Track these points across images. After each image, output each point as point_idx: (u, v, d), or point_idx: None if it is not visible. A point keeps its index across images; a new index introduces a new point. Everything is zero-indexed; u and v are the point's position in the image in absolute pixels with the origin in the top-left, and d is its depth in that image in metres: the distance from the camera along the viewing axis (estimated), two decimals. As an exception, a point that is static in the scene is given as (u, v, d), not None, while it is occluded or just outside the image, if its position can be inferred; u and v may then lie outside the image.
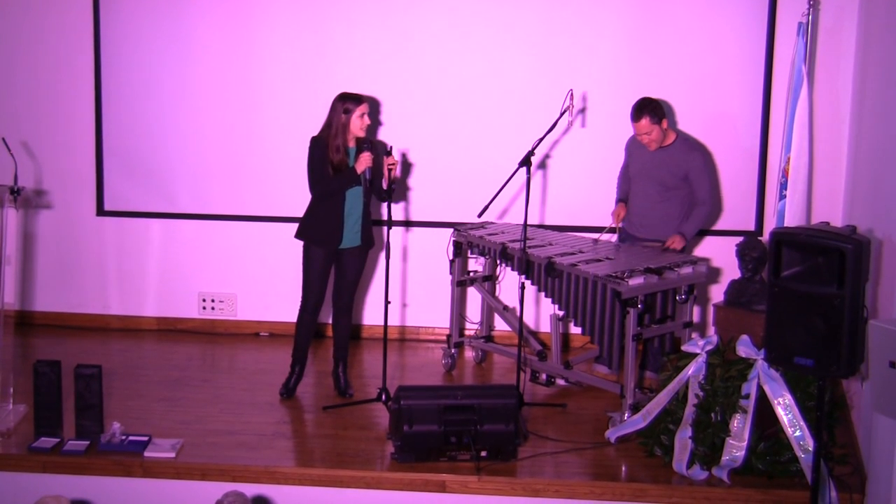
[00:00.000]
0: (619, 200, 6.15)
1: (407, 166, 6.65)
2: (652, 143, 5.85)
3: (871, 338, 4.05)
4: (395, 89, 6.63)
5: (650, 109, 5.75)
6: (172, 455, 5.05)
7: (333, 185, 5.57)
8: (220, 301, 6.99)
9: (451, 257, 6.27)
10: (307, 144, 5.67)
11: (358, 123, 5.55)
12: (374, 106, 6.54)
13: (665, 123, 5.83)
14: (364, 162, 5.50)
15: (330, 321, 5.95)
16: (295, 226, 5.77)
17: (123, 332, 6.99)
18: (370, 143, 5.61)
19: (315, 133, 5.67)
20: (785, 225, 5.60)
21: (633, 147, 6.05)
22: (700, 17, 6.42)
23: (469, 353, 6.58)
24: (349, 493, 4.98)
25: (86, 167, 6.90)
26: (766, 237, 5.44)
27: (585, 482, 4.91)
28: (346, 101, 5.56)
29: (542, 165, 6.57)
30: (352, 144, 5.60)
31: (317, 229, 5.67)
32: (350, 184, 5.55)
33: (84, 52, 6.78)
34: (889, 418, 4.32)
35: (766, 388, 4.82)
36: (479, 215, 5.82)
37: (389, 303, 5.67)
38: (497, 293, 6.46)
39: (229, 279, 6.97)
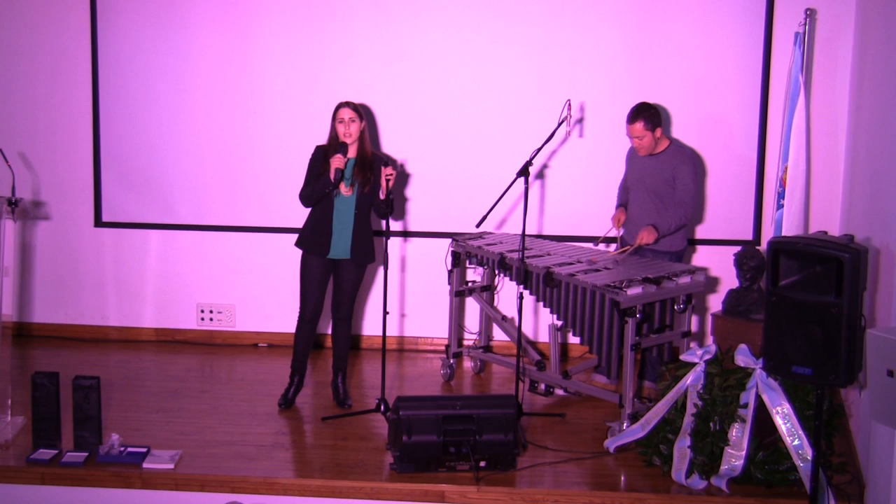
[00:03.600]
0: (618, 206, 6.15)
1: (405, 176, 6.66)
2: (642, 149, 5.85)
3: (869, 346, 4.05)
4: (393, 100, 6.64)
5: (647, 115, 5.76)
6: (171, 466, 5.04)
7: (307, 189, 5.61)
8: (219, 312, 6.99)
9: (449, 267, 6.27)
10: (306, 154, 5.69)
11: (341, 129, 5.56)
12: (371, 117, 6.56)
13: (659, 132, 5.83)
14: (334, 162, 5.49)
15: (329, 332, 5.95)
16: (293, 236, 5.78)
17: (122, 344, 6.98)
18: (377, 158, 5.62)
19: (314, 142, 5.70)
20: (783, 234, 5.61)
21: (632, 156, 6.06)
22: (697, 28, 6.44)
23: (468, 364, 6.58)
24: (348, 504, 4.99)
25: (84, 178, 6.90)
26: (763, 246, 5.46)
27: (584, 492, 4.91)
28: (335, 108, 5.60)
29: (540, 175, 6.59)
30: (350, 154, 5.60)
31: (308, 236, 5.69)
32: (325, 187, 5.54)
33: (82, 63, 6.80)
34: (887, 427, 4.32)
35: (765, 398, 4.83)
36: (478, 225, 5.83)
37: (388, 313, 5.67)
38: (495, 303, 6.45)
39: (228, 290, 6.97)
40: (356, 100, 5.75)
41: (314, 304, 5.75)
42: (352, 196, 5.62)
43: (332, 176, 5.48)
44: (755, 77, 6.42)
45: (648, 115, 5.75)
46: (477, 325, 6.51)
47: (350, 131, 5.55)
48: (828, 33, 6.32)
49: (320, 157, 5.62)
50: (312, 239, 5.67)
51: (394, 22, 6.60)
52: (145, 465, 5.04)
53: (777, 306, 4.26)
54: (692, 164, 5.88)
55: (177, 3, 6.68)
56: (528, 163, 5.54)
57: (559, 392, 6.00)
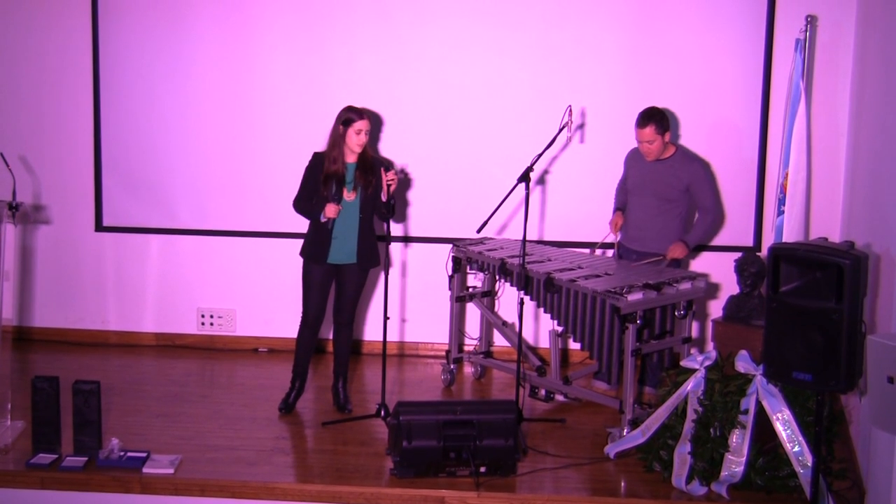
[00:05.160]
0: (616, 210, 6.16)
1: (406, 182, 6.66)
2: (650, 153, 5.86)
3: (869, 353, 4.05)
4: (395, 105, 6.65)
5: (657, 119, 5.77)
6: (171, 471, 5.04)
7: (303, 204, 5.64)
8: (220, 316, 6.99)
9: (450, 273, 6.27)
10: (308, 159, 5.69)
11: (355, 139, 5.56)
12: (374, 121, 6.56)
13: (668, 136, 5.85)
14: (328, 210, 5.52)
15: (331, 336, 5.95)
16: (294, 241, 5.79)
17: (122, 348, 6.98)
18: (376, 161, 5.62)
19: (316, 148, 5.70)
20: (783, 240, 5.61)
21: (632, 160, 6.08)
22: (698, 33, 6.45)
23: (468, 369, 6.57)
24: (348, 509, 4.98)
25: (84, 182, 6.91)
26: (764, 252, 5.47)
27: (584, 497, 4.91)
28: (348, 113, 5.58)
29: (541, 181, 6.59)
30: (351, 160, 5.61)
31: (308, 244, 5.70)
32: (317, 219, 5.57)
33: (83, 67, 6.80)
34: (887, 433, 4.32)
35: (765, 404, 4.82)
36: (478, 231, 5.83)
37: (388, 318, 5.67)
38: (496, 309, 6.46)
39: (228, 294, 6.97)
40: (358, 104, 5.74)
41: (316, 309, 5.75)
42: (355, 200, 5.62)
43: (322, 219, 5.51)
44: (756, 83, 6.43)
45: (659, 119, 5.77)
46: (477, 330, 6.50)
47: (363, 141, 5.57)
48: (828, 40, 6.32)
49: (318, 165, 5.62)
50: (316, 245, 5.66)
51: (396, 28, 6.60)
52: (145, 469, 5.04)
53: (777, 312, 4.26)
54: (703, 169, 5.95)
55: (179, 8, 6.69)
56: (529, 168, 5.54)
57: (559, 398, 5.99)
